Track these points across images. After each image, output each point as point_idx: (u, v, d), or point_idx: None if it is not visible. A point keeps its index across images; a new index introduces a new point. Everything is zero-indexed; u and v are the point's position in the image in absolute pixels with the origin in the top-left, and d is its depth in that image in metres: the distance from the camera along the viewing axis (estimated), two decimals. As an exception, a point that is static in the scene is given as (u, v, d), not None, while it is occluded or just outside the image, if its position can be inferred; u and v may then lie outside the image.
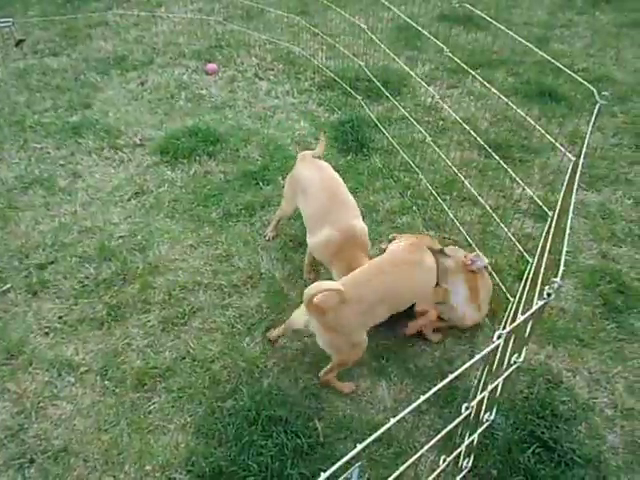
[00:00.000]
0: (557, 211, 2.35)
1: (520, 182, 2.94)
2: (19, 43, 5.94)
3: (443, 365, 2.82)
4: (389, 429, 2.45)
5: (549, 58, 2.76)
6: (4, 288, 3.17)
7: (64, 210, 3.77)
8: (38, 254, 3.41)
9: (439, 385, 1.42)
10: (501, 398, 1.84)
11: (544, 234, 2.45)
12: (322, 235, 2.88)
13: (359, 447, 1.13)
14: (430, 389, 2.79)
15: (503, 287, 3.05)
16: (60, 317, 3.04)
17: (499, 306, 3.05)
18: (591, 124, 2.16)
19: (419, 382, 2.73)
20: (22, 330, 2.95)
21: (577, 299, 3.18)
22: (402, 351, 2.90)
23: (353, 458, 1.14)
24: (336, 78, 5.11)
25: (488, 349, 1.29)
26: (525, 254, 2.91)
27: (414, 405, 1.31)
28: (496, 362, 1.68)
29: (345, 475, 1.20)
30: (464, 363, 2.86)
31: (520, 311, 2.14)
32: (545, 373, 2.80)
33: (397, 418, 1.31)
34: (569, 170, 2.41)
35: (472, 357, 2.74)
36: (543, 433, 2.46)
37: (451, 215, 3.54)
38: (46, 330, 2.96)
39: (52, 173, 4.10)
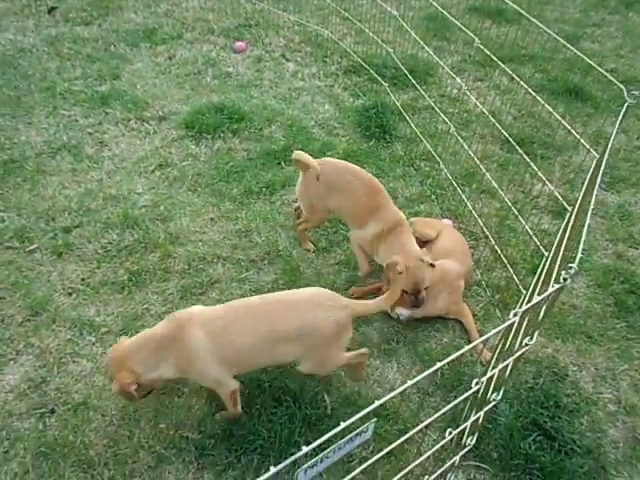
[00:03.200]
0: (577, 207, 2.38)
1: (542, 177, 2.96)
2: (52, 10, 6.02)
3: (452, 351, 2.88)
4: (396, 407, 2.52)
5: (580, 54, 2.76)
6: (31, 248, 3.27)
7: (90, 177, 3.86)
8: (64, 218, 3.50)
9: (445, 361, 1.47)
10: (509, 380, 1.90)
11: (562, 228, 2.49)
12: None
13: (377, 403, 1.20)
14: (437, 373, 2.87)
15: (516, 279, 3.09)
16: (83, 279, 3.14)
17: (511, 298, 3.10)
18: (618, 122, 2.18)
19: (427, 366, 2.79)
20: (46, 289, 3.06)
21: (588, 297, 3.22)
22: (412, 335, 2.97)
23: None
24: (363, 63, 5.13)
25: (503, 326, 1.35)
26: (541, 248, 2.95)
27: (415, 380, 1.35)
28: (508, 344, 1.74)
29: (362, 428, 1.27)
30: (471, 350, 2.92)
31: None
32: (552, 366, 2.85)
33: (400, 390, 1.36)
34: (592, 167, 2.43)
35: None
36: (545, 422, 2.52)
37: (469, 206, 3.57)
38: (69, 290, 3.07)
39: (80, 140, 4.19)
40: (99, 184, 3.80)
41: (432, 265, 2.83)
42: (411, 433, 1.46)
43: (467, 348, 1.33)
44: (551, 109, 2.98)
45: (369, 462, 1.52)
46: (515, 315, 1.31)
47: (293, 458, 1.17)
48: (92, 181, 3.83)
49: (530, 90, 3.11)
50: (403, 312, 2.91)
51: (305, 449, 1.19)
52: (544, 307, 1.51)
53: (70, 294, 3.05)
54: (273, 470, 1.10)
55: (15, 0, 6.12)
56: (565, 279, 1.33)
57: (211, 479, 2.29)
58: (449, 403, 2.59)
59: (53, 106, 4.53)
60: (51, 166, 3.93)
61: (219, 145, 4.22)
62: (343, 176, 3.05)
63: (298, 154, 3.09)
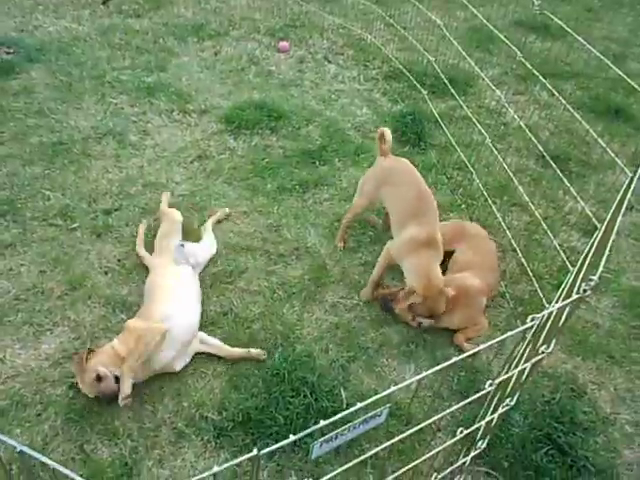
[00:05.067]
0: (605, 225, 2.39)
1: (574, 193, 2.97)
2: (106, 2, 6.26)
3: (471, 357, 2.91)
4: (408, 408, 2.56)
5: (623, 76, 2.76)
6: (72, 226, 3.44)
7: (132, 163, 4.02)
8: (105, 200, 3.67)
9: (458, 357, 1.51)
10: (524, 387, 1.93)
11: (589, 244, 2.49)
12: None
13: (393, 388, 1.26)
14: (453, 379, 2.90)
15: (540, 293, 3.10)
16: (119, 260, 3.28)
17: (534, 311, 3.10)
18: (654, 143, 2.18)
19: (444, 371, 2.83)
20: (84, 266, 3.21)
21: (613, 317, 3.21)
22: (432, 339, 3.01)
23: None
24: (404, 70, 5.18)
25: (520, 329, 1.40)
26: (567, 264, 2.95)
27: (427, 372, 1.41)
28: (524, 350, 1.78)
29: (376, 412, 1.34)
30: (489, 358, 2.94)
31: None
32: (570, 382, 2.85)
33: (412, 380, 1.42)
34: (624, 185, 2.44)
35: (499, 354, 2.84)
36: (559, 437, 2.53)
37: (499, 218, 3.59)
38: (105, 269, 3.22)
39: (124, 128, 4.36)
40: (140, 171, 3.96)
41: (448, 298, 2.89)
42: (421, 425, 1.53)
43: (482, 347, 1.38)
44: (589, 127, 2.98)
45: (378, 448, 1.58)
46: (532, 320, 1.36)
47: (311, 430, 1.24)
48: (133, 167, 3.99)
49: (569, 106, 3.12)
50: (425, 321, 2.97)
51: (322, 423, 1.27)
52: (563, 317, 1.55)
53: (106, 273, 3.20)
54: (292, 438, 1.18)
55: (73, -10, 6.39)
56: (585, 290, 1.37)
57: (227, 458, 2.39)
58: (463, 408, 2.65)
59: (102, 93, 4.72)
60: (96, 150, 4.10)
61: (257, 141, 4.34)
62: (403, 173, 3.18)
63: (385, 131, 3.32)
